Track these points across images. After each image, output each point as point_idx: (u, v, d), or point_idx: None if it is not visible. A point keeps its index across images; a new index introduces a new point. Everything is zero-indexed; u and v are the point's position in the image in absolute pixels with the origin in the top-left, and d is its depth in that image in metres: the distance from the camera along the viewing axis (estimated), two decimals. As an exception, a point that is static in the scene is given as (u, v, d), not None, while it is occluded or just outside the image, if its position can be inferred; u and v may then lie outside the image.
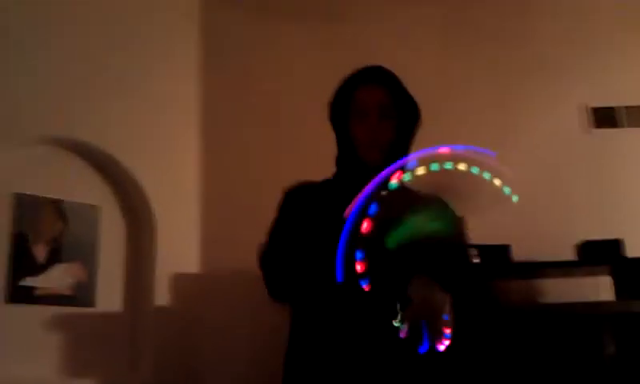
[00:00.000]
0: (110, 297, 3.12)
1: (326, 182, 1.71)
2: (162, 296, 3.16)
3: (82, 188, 3.13)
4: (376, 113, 1.62)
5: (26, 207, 2.94)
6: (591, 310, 2.84)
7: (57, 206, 3.04)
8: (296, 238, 1.60)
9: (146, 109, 3.31)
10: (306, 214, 1.63)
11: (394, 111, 1.64)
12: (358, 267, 1.35)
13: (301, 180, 1.71)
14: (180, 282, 3.24)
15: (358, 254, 1.36)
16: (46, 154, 3.03)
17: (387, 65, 1.70)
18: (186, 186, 3.43)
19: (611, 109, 3.63)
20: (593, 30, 3.73)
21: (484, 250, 3.02)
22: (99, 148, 3.11)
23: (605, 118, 3.62)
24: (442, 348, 1.46)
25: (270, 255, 1.63)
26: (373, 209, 1.37)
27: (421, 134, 3.53)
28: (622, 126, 3.60)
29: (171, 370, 3.08)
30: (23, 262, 2.89)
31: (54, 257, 3.00)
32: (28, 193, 2.95)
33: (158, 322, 3.12)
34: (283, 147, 3.45)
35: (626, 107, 3.62)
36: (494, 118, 3.60)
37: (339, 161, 1.70)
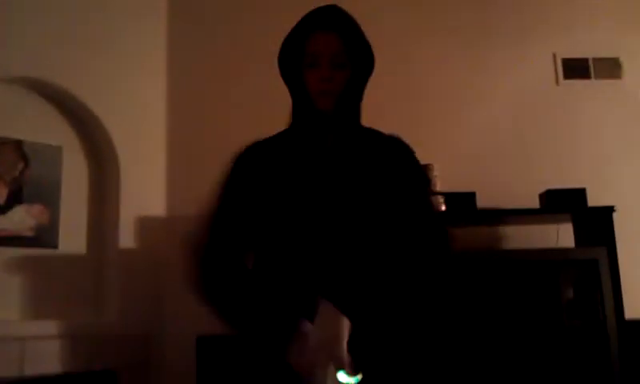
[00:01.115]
0: (73, 239, 3.08)
1: (280, 135, 1.68)
2: (126, 239, 3.14)
3: (43, 128, 3.06)
4: (328, 61, 1.56)
5: (-15, 147, 2.86)
6: (548, 256, 2.90)
7: (17, 147, 2.96)
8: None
9: (112, 52, 3.23)
10: (258, 176, 1.60)
11: (346, 59, 1.58)
12: None
13: (252, 140, 1.67)
14: (145, 224, 3.22)
15: None
16: (6, 92, 2.94)
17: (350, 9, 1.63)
18: (151, 129, 3.38)
19: (582, 60, 3.64)
20: (564, -19, 3.71)
21: (450, 197, 3.06)
22: (62, 87, 3.03)
23: (575, 69, 3.64)
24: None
25: (205, 264, 1.63)
26: None
27: (391, 83, 3.55)
28: (592, 78, 3.63)
29: (136, 313, 3.09)
30: (-17, 204, 2.83)
31: (15, 198, 2.94)
32: (-13, 132, 2.87)
33: (122, 265, 3.10)
34: (250, 93, 3.41)
35: (595, 59, 3.64)
36: (463, 68, 3.59)
37: (293, 110, 1.66)
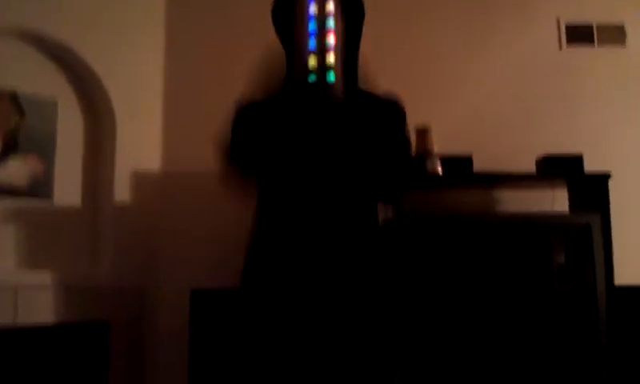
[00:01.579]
0: (68, 191, 3.09)
1: (275, 98, 1.69)
2: (121, 192, 3.14)
3: (39, 80, 3.03)
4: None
5: (-20, 97, 2.84)
6: (541, 221, 2.90)
7: (12, 98, 2.94)
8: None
9: (111, 6, 3.20)
10: (257, 135, 1.65)
11: (339, 13, 1.59)
12: None
13: (249, 99, 1.70)
14: (140, 178, 3.22)
15: None
16: (1, 44, 2.91)
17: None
18: (147, 83, 3.35)
19: (586, 26, 3.59)
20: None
21: (446, 160, 3.05)
22: (59, 41, 3.00)
23: (578, 35, 3.59)
24: None
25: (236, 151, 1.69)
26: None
27: (391, 45, 3.51)
28: (595, 44, 3.59)
29: (130, 267, 3.10)
30: (-23, 154, 2.83)
31: (10, 149, 2.93)
32: (-19, 84, 2.85)
33: (117, 218, 3.11)
34: (246, 48, 3.35)
35: (599, 25, 3.59)
36: (465, 31, 3.54)
37: (287, 67, 1.67)
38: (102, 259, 3.09)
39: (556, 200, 3.23)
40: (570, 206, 3.16)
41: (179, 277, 3.17)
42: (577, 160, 3.07)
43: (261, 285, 1.61)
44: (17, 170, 2.94)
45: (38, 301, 2.78)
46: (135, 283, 3.12)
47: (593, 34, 3.60)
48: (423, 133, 3.12)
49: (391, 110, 1.69)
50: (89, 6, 3.11)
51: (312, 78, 1.56)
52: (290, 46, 1.63)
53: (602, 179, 2.97)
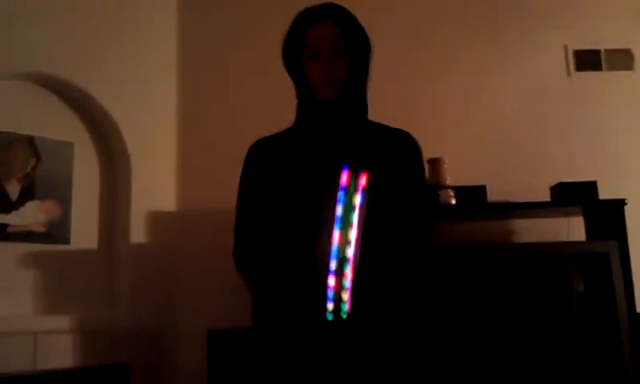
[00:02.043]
0: (85, 234, 3.10)
1: (286, 131, 1.70)
2: (138, 234, 3.15)
3: (55, 124, 3.07)
4: (328, 50, 1.58)
5: (-2, 143, 2.88)
6: (559, 250, 2.88)
7: (29, 142, 2.98)
8: (262, 216, 1.62)
9: (122, 46, 3.25)
10: (268, 171, 1.64)
11: (346, 47, 1.60)
12: None
13: (259, 136, 1.72)
14: (156, 219, 3.23)
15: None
16: (17, 89, 2.96)
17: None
18: (161, 124, 3.38)
19: (594, 52, 3.61)
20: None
21: (460, 190, 3.05)
22: (72, 83, 3.04)
23: (587, 60, 3.61)
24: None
25: (242, 254, 1.67)
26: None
27: (400, 77, 3.54)
28: (603, 69, 3.60)
29: (147, 308, 3.10)
30: (-5, 199, 2.86)
31: (27, 194, 2.96)
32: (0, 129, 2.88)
33: (134, 260, 3.12)
34: (260, 87, 3.40)
35: (607, 50, 3.61)
36: (474, 60, 3.57)
37: (298, 103, 1.69)
38: (119, 301, 3.09)
39: (571, 228, 3.21)
40: (587, 233, 3.14)
41: (196, 317, 3.16)
42: (591, 186, 3.06)
43: (272, 323, 1.61)
44: (34, 214, 2.96)
45: (56, 346, 2.77)
46: (153, 324, 3.11)
47: (600, 60, 3.61)
48: (436, 163, 3.12)
49: (405, 141, 1.68)
50: (101, 49, 3.15)
51: (320, 106, 1.62)
52: (299, 80, 1.65)
53: (618, 205, 2.96)
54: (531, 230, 3.26)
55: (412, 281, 1.63)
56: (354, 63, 1.62)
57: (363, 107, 1.69)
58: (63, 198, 3.06)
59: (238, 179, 1.72)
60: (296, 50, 1.63)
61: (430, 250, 1.68)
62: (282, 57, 1.68)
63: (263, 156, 1.68)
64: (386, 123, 1.72)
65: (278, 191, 1.61)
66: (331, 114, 1.63)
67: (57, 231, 3.02)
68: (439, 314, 2.72)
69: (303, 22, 1.63)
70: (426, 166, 3.01)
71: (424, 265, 1.67)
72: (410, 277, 1.63)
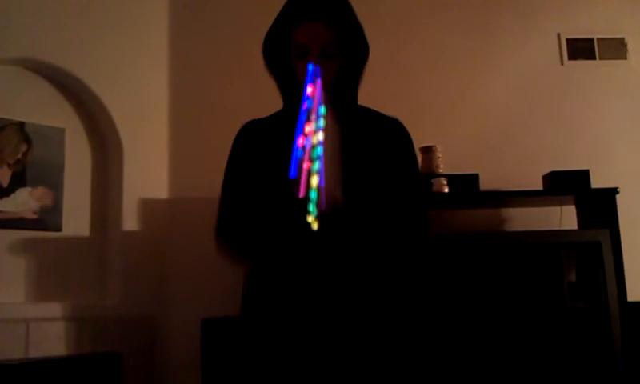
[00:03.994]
0: (77, 221, 3.09)
1: (276, 114, 1.68)
2: (130, 221, 3.14)
3: (46, 110, 3.05)
4: (317, 52, 1.50)
5: (-12, 129, 2.86)
6: (551, 238, 2.89)
7: (20, 128, 2.96)
8: (246, 191, 1.59)
9: (115, 34, 3.23)
10: (255, 149, 1.62)
11: (337, 49, 1.53)
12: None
13: (250, 119, 1.70)
14: (148, 207, 3.22)
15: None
16: (8, 74, 2.94)
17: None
18: (154, 111, 3.36)
19: (587, 40, 3.61)
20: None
21: (453, 179, 3.05)
22: (64, 69, 3.02)
23: (580, 49, 3.61)
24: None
25: (226, 220, 1.64)
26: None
27: (393, 64, 3.52)
28: (597, 58, 3.60)
29: (140, 295, 3.10)
30: (-14, 186, 2.83)
31: (18, 180, 2.94)
32: (-10, 115, 2.86)
33: (125, 247, 3.11)
34: (252, 74, 3.35)
35: (600, 39, 3.61)
36: (467, 48, 3.56)
37: (283, 99, 1.65)
38: (111, 289, 3.09)
39: (563, 217, 3.22)
40: (579, 222, 3.16)
41: (189, 304, 3.16)
42: (583, 175, 3.06)
43: (261, 309, 1.59)
44: (25, 200, 2.95)
45: (48, 333, 2.77)
46: (145, 312, 3.11)
47: (594, 48, 3.61)
48: (429, 151, 3.12)
49: (395, 127, 1.66)
50: (93, 35, 3.12)
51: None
52: (286, 77, 1.60)
53: (610, 194, 2.97)
54: (523, 219, 3.28)
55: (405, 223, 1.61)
56: (345, 65, 1.56)
57: (353, 100, 1.65)
58: (55, 185, 3.04)
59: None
60: (282, 46, 1.57)
61: (424, 235, 1.66)
62: (263, 52, 1.61)
63: (252, 135, 1.66)
64: (378, 110, 1.70)
65: (264, 165, 1.58)
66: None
67: (48, 218, 3.00)
68: (432, 301, 2.73)
69: (292, 17, 1.54)
70: (419, 154, 3.03)
71: (418, 209, 1.64)
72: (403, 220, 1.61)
